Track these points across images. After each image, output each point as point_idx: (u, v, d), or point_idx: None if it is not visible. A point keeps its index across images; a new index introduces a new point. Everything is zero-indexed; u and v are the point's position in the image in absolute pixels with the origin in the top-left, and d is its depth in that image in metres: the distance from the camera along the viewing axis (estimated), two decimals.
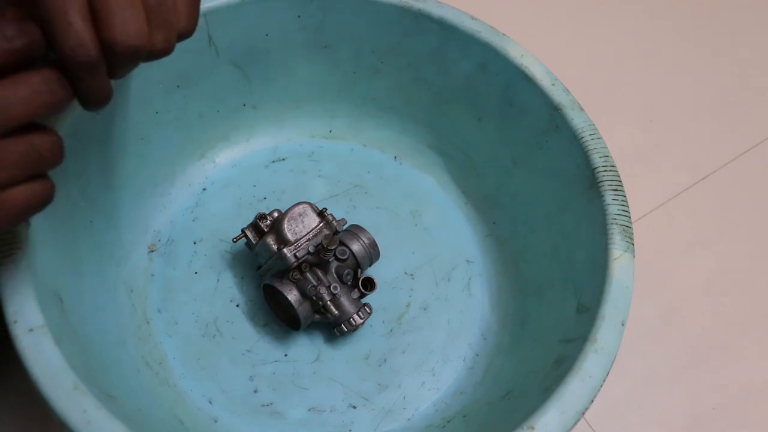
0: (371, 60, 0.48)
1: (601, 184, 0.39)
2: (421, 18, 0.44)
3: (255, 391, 0.43)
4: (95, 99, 0.27)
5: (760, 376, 0.51)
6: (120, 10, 0.25)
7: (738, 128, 0.63)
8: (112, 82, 0.28)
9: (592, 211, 0.39)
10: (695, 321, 0.53)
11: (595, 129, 0.41)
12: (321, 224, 0.43)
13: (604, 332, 0.34)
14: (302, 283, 0.42)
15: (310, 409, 0.43)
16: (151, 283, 0.46)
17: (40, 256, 0.33)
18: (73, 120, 0.36)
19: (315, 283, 0.42)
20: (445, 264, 0.49)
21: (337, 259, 0.43)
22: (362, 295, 0.44)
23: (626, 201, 0.39)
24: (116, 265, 0.44)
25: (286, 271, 0.42)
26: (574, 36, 0.67)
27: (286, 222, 0.42)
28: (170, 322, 0.45)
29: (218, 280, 0.47)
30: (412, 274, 0.48)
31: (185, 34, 0.30)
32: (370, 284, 0.44)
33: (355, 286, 0.44)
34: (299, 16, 0.45)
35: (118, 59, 0.26)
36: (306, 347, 0.45)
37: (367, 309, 0.44)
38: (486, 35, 0.43)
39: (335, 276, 0.43)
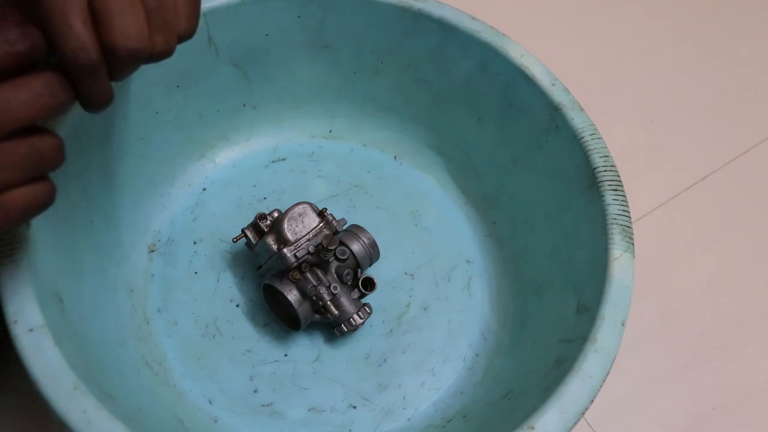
0: (371, 60, 0.48)
1: (601, 184, 0.39)
2: (421, 18, 0.44)
3: (255, 391, 0.43)
4: (96, 101, 0.27)
5: (760, 376, 0.51)
6: (120, 13, 0.25)
7: (738, 128, 0.63)
8: (113, 83, 0.28)
9: (592, 211, 0.39)
10: (695, 321, 0.53)
11: (595, 129, 0.41)
12: (321, 224, 0.43)
13: (604, 332, 0.34)
14: (302, 283, 0.42)
15: (310, 409, 0.43)
16: (151, 283, 0.46)
17: (40, 256, 0.33)
18: (73, 120, 0.36)
19: (315, 283, 0.42)
20: (445, 264, 0.49)
21: (337, 259, 0.43)
22: (362, 295, 0.44)
23: (626, 201, 0.39)
24: (116, 265, 0.44)
25: (286, 271, 0.42)
26: (574, 36, 0.67)
27: (286, 222, 0.42)
28: (170, 322, 0.45)
29: (218, 280, 0.47)
30: (412, 274, 0.48)
31: (185, 36, 0.30)
32: (370, 284, 0.44)
33: (355, 286, 0.44)
34: (299, 16, 0.45)
35: (119, 62, 0.26)
36: (306, 347, 0.45)
37: (367, 309, 0.44)
38: (486, 35, 0.43)
39: (335, 276, 0.43)
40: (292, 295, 0.42)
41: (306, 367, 0.44)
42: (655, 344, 0.52)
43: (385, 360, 0.45)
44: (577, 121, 0.41)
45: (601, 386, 0.33)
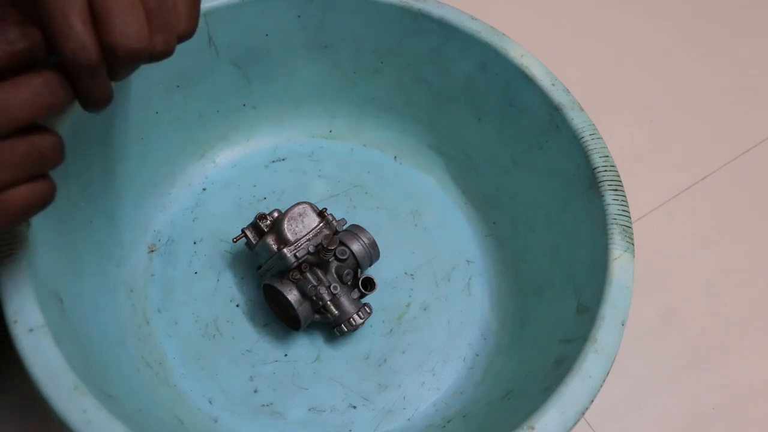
0: (371, 60, 0.48)
1: (601, 184, 0.39)
2: (421, 18, 0.44)
3: (255, 391, 0.43)
4: (96, 101, 0.27)
5: (760, 376, 0.51)
6: (120, 13, 0.25)
7: (738, 128, 0.63)
8: (113, 83, 0.28)
9: (592, 211, 0.39)
10: (695, 321, 0.53)
11: (595, 129, 0.41)
12: (321, 224, 0.43)
13: (604, 332, 0.34)
14: (302, 283, 0.42)
15: (310, 409, 0.43)
16: (151, 283, 0.46)
17: (40, 256, 0.33)
18: (73, 120, 0.36)
19: (315, 283, 0.42)
20: (445, 264, 0.49)
21: (337, 259, 0.43)
22: (362, 295, 0.44)
23: (626, 201, 0.39)
24: (116, 265, 0.44)
25: (286, 271, 0.42)
26: (574, 36, 0.67)
27: (286, 222, 0.42)
28: (170, 322, 0.45)
29: (218, 280, 0.47)
30: (412, 274, 0.48)
31: (185, 36, 0.30)
32: (370, 284, 0.44)
33: (355, 286, 0.44)
34: (299, 16, 0.45)
35: (119, 62, 0.26)
36: (306, 347, 0.45)
37: (367, 309, 0.44)
38: (486, 35, 0.43)
39: (335, 276, 0.43)
40: (292, 295, 0.42)
41: (306, 367, 0.44)
42: (655, 344, 0.52)
43: (385, 360, 0.45)
44: (577, 121, 0.41)
45: (601, 386, 0.33)
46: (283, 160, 0.52)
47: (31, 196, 0.26)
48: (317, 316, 0.43)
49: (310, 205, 0.43)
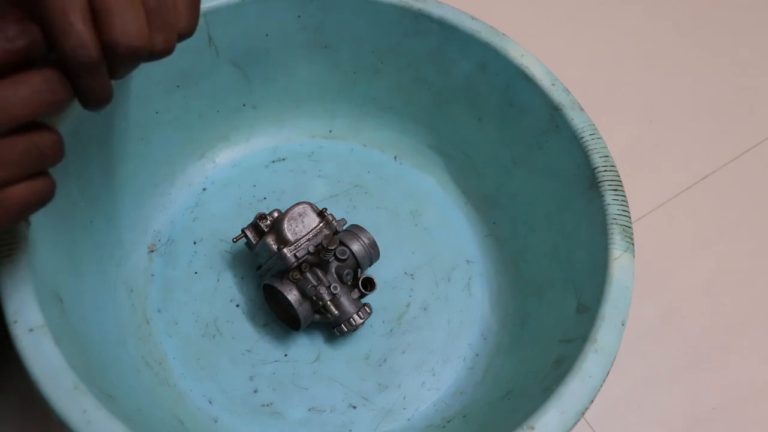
0: (371, 60, 0.48)
1: (601, 184, 0.39)
2: (421, 18, 0.44)
3: (255, 391, 0.43)
4: (96, 99, 0.27)
5: (760, 376, 0.51)
6: (121, 12, 0.25)
7: (738, 128, 0.63)
8: (113, 82, 0.28)
9: (592, 211, 0.39)
10: (695, 321, 0.53)
11: (595, 129, 0.41)
12: (321, 224, 0.43)
13: (604, 332, 0.34)
14: (302, 283, 0.42)
15: (310, 409, 0.43)
16: (151, 283, 0.46)
17: (40, 256, 0.33)
18: (73, 120, 0.36)
19: (315, 283, 0.42)
20: (445, 264, 0.49)
21: (337, 259, 0.43)
22: (362, 295, 0.44)
23: (626, 201, 0.39)
24: (116, 265, 0.44)
25: (286, 271, 0.42)
26: (574, 36, 0.67)
27: (286, 222, 0.42)
28: (170, 322, 0.45)
29: (218, 280, 0.47)
30: (412, 274, 0.48)
31: (185, 34, 0.30)
32: (370, 284, 0.44)
33: (355, 286, 0.44)
34: (299, 16, 0.45)
35: (119, 60, 0.26)
36: (306, 347, 0.45)
37: (367, 309, 0.44)
38: (486, 35, 0.43)
39: (335, 276, 0.43)
40: (292, 295, 0.42)
41: (306, 367, 0.44)
42: (655, 344, 0.52)
43: (385, 360, 0.45)
44: (577, 121, 0.41)
45: (601, 386, 0.33)
46: (283, 160, 0.52)
47: (31, 193, 0.26)
48: (317, 316, 0.43)
49: (310, 205, 0.43)
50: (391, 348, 0.45)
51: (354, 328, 0.43)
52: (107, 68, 0.27)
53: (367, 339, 0.45)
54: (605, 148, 0.40)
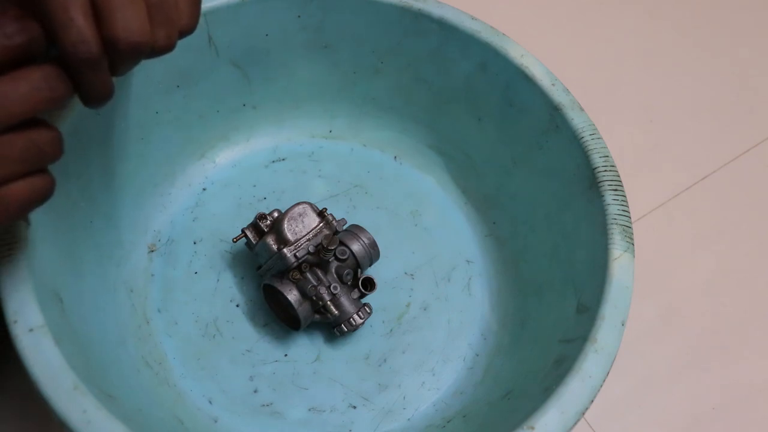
0: (371, 60, 0.48)
1: (601, 184, 0.39)
2: (421, 18, 0.44)
3: (255, 391, 0.43)
4: (97, 96, 0.27)
5: (760, 376, 0.51)
6: (122, 7, 0.25)
7: (738, 128, 0.63)
8: (114, 79, 0.28)
9: (592, 211, 0.39)
10: (695, 321, 0.53)
11: (595, 129, 0.41)
12: (321, 224, 0.43)
13: (604, 332, 0.34)
14: (302, 283, 0.42)
15: (310, 409, 0.43)
16: (151, 283, 0.46)
17: (40, 257, 0.33)
18: (73, 119, 0.36)
19: (315, 283, 0.42)
20: (445, 264, 0.49)
21: (337, 259, 0.43)
22: (362, 295, 0.44)
23: (626, 201, 0.39)
24: (116, 265, 0.44)
25: (286, 271, 0.42)
26: (574, 36, 0.67)
27: (286, 222, 0.42)
28: (170, 322, 0.45)
29: (218, 280, 0.47)
30: (412, 274, 0.48)
31: (187, 31, 0.30)
32: (370, 284, 0.44)
33: (355, 286, 0.44)
34: (299, 16, 0.45)
35: (120, 56, 0.26)
36: (306, 347, 0.45)
37: (367, 309, 0.44)
38: (486, 35, 0.43)
39: (335, 276, 0.43)
40: (292, 295, 0.42)
41: (306, 367, 0.44)
42: (655, 344, 0.52)
43: (385, 360, 0.45)
44: (577, 121, 0.41)
45: (601, 386, 0.33)
46: (283, 160, 0.52)
47: (30, 190, 0.26)
48: (317, 316, 0.43)
49: (310, 205, 0.43)
50: (391, 348, 0.45)
51: (354, 328, 0.43)
52: (108, 64, 0.27)
53: (367, 339, 0.45)
54: (605, 148, 0.40)
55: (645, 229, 0.56)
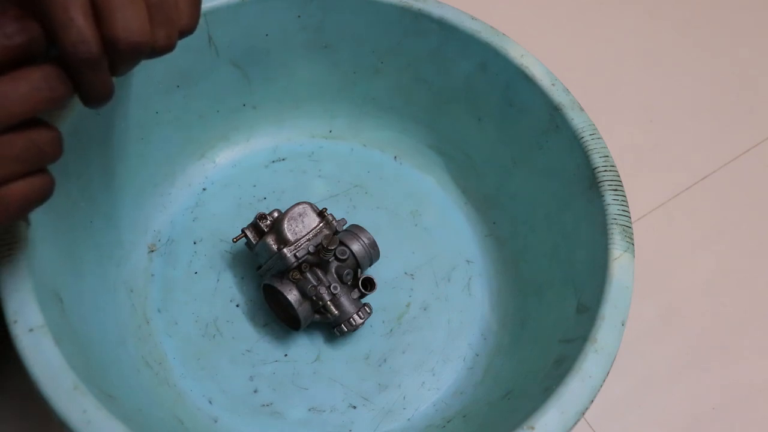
0: (371, 60, 0.48)
1: (601, 184, 0.39)
2: (421, 18, 0.44)
3: (255, 391, 0.43)
4: (97, 96, 0.27)
5: (760, 376, 0.51)
6: (122, 7, 0.25)
7: (738, 128, 0.63)
8: (114, 79, 0.28)
9: (592, 211, 0.39)
10: (695, 321, 0.53)
11: (595, 129, 0.41)
12: (321, 224, 0.43)
13: (604, 332, 0.34)
14: (302, 283, 0.42)
15: (310, 409, 0.43)
16: (151, 283, 0.46)
17: (40, 257, 0.33)
18: (73, 119, 0.36)
19: (315, 283, 0.42)
20: (445, 264, 0.49)
21: (337, 259, 0.43)
22: (362, 295, 0.44)
23: (626, 201, 0.39)
24: (116, 265, 0.44)
25: (286, 271, 0.42)
26: (574, 36, 0.67)
27: (286, 222, 0.42)
28: (170, 322, 0.45)
29: (218, 280, 0.47)
30: (412, 274, 0.48)
31: (187, 31, 0.30)
32: (370, 284, 0.44)
33: (355, 286, 0.44)
34: (299, 16, 0.45)
35: (120, 56, 0.26)
36: (306, 347, 0.45)
37: (367, 309, 0.44)
38: (486, 35, 0.43)
39: (335, 276, 0.43)
40: (292, 295, 0.42)
41: (306, 367, 0.44)
42: (655, 344, 0.52)
43: (385, 360, 0.45)
44: (577, 121, 0.41)
45: (601, 386, 0.33)
46: (283, 160, 0.52)
47: (30, 190, 0.26)
48: (317, 316, 0.43)
49: (310, 205, 0.43)
50: (391, 348, 0.45)
51: (354, 328, 0.43)
52: (108, 65, 0.27)
53: (367, 339, 0.45)
54: (605, 148, 0.40)
55: (645, 229, 0.56)
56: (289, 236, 0.42)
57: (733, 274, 0.55)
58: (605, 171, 0.39)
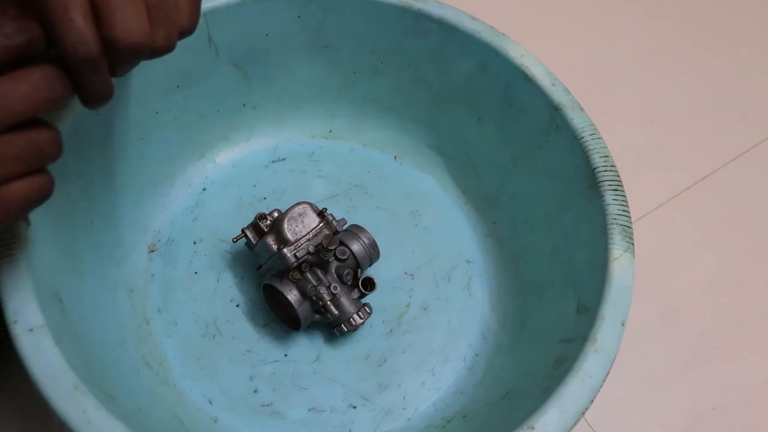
0: (371, 60, 0.48)
1: (601, 184, 0.39)
2: (421, 18, 0.44)
3: (255, 391, 0.43)
4: (96, 96, 0.27)
5: (760, 376, 0.51)
6: (122, 8, 0.25)
7: (738, 128, 0.63)
8: (113, 79, 0.28)
9: (592, 211, 0.39)
10: (695, 321, 0.53)
11: (595, 129, 0.41)
12: (321, 224, 0.43)
13: (604, 332, 0.34)
14: (302, 283, 0.42)
15: (310, 409, 0.43)
16: (151, 283, 0.46)
17: (40, 256, 0.33)
18: (73, 119, 0.36)
19: (315, 283, 0.42)
20: (445, 264, 0.49)
21: (337, 259, 0.43)
22: (362, 295, 0.44)
23: (626, 201, 0.39)
24: (116, 265, 0.44)
25: (286, 271, 0.42)
26: (574, 36, 0.67)
27: (286, 222, 0.42)
28: (170, 322, 0.45)
29: (218, 280, 0.47)
30: (412, 274, 0.48)
31: (186, 31, 0.30)
32: (370, 284, 0.44)
33: (355, 286, 0.44)
34: (299, 16, 0.45)
35: (120, 56, 0.26)
36: (306, 347, 0.45)
37: (367, 309, 0.44)
38: (486, 35, 0.43)
39: (335, 276, 0.43)
40: (292, 295, 0.42)
41: (306, 367, 0.44)
42: (655, 344, 0.52)
43: (385, 360, 0.45)
44: (577, 121, 0.41)
45: (601, 386, 0.33)
46: (283, 160, 0.52)
47: (30, 190, 0.26)
48: (317, 316, 0.43)
49: (310, 205, 0.43)
50: (391, 348, 0.45)
51: (354, 328, 0.43)
52: (108, 65, 0.27)
53: (367, 339, 0.45)
54: (605, 148, 0.40)
55: (645, 229, 0.56)
56: (289, 236, 0.42)
57: (733, 274, 0.55)
58: (605, 171, 0.39)
